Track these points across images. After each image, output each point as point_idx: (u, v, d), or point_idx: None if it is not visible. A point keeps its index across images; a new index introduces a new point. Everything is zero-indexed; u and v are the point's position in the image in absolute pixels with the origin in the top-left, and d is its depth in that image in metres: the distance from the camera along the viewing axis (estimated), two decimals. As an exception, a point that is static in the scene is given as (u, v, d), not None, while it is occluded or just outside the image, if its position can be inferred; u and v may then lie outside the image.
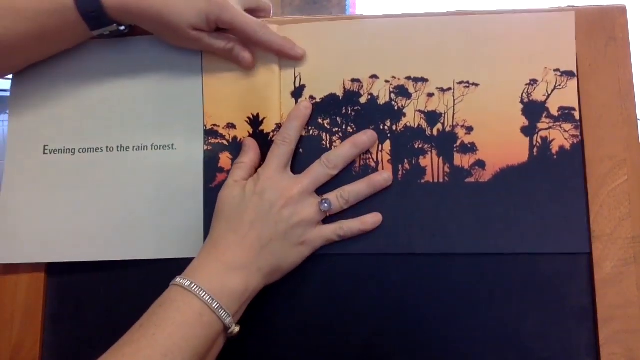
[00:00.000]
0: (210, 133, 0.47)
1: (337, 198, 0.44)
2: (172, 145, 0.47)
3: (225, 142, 0.47)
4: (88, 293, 0.47)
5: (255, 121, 0.47)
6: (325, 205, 0.44)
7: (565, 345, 0.44)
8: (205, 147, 0.47)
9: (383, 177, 0.45)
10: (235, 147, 0.47)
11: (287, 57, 0.47)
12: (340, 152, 0.45)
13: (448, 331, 0.45)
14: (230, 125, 0.47)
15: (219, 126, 0.47)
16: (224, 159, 0.47)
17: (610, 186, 0.45)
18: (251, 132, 0.47)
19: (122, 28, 0.46)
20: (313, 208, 0.44)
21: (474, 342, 0.44)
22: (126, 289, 0.47)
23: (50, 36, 0.45)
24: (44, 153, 0.48)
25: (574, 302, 0.44)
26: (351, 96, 0.47)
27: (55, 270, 0.48)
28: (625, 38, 0.46)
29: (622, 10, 0.46)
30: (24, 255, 0.47)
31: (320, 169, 0.44)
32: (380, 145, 0.46)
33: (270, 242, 0.42)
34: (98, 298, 0.47)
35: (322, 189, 0.46)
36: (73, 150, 0.48)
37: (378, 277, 0.46)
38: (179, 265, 0.46)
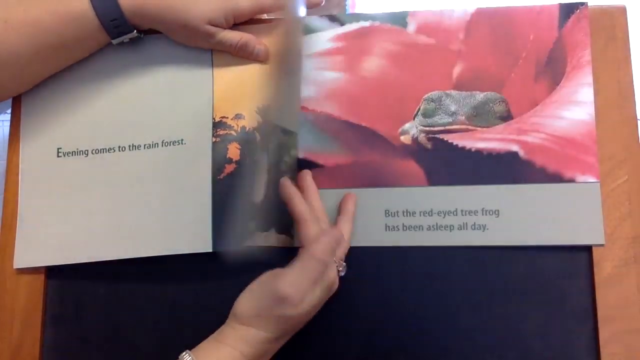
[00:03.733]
0: (218, 125, 0.47)
1: (344, 252, 0.44)
2: (182, 140, 0.47)
3: (233, 132, 0.47)
4: (88, 293, 0.47)
5: (266, 111, 0.47)
6: (342, 273, 0.43)
7: (565, 345, 0.44)
8: (214, 139, 0.47)
9: (354, 203, 0.45)
10: (244, 137, 0.47)
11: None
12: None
13: (448, 330, 0.45)
14: (239, 116, 0.47)
15: (227, 117, 0.47)
16: (232, 149, 0.47)
17: (610, 186, 0.45)
18: (261, 121, 0.47)
19: (140, 35, 0.47)
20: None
21: (475, 341, 0.44)
22: (126, 288, 0.47)
23: (68, 46, 0.45)
24: (58, 156, 0.48)
25: (574, 302, 0.44)
26: None
27: (55, 271, 0.48)
28: (625, 38, 0.46)
29: (622, 10, 0.46)
30: (42, 259, 0.47)
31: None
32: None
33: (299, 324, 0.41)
34: (98, 298, 0.47)
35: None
36: (87, 152, 0.48)
37: (376, 275, 0.46)
38: (180, 265, 0.46)
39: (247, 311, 0.39)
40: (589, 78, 0.45)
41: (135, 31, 0.46)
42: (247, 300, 0.40)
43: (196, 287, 0.45)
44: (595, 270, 0.44)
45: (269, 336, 0.39)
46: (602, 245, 0.44)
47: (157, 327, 0.47)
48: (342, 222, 0.44)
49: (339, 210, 0.46)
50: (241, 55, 0.47)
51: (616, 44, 0.46)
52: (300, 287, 0.39)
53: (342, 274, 0.43)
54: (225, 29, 0.46)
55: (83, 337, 0.47)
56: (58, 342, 0.47)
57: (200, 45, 0.47)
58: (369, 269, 0.46)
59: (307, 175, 0.46)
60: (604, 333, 0.43)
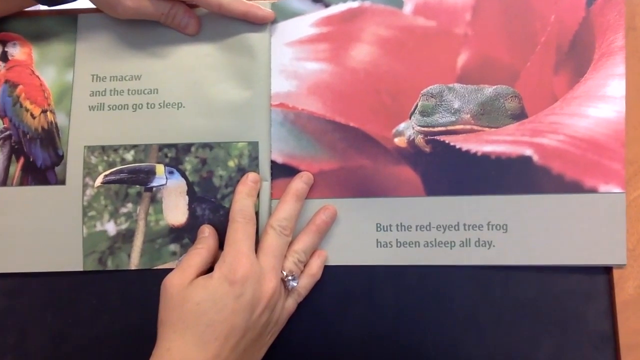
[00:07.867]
0: None
1: (296, 264, 0.41)
2: None
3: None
4: (33, 321, 0.44)
5: None
6: (293, 283, 0.40)
7: (582, 376, 0.42)
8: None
9: (327, 215, 0.42)
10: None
11: (256, 21, 0.44)
12: (290, 213, 0.41)
13: (450, 357, 0.43)
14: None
15: None
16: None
17: (632, 194, 0.42)
18: None
19: None
20: (283, 295, 0.40)
21: (479, 372, 0.42)
22: (76, 314, 0.44)
23: None
24: None
25: (591, 326, 0.42)
26: None
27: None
28: (645, 28, 0.43)
29: (642, 0, 0.44)
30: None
31: (281, 241, 0.40)
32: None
33: (244, 352, 0.38)
34: (44, 327, 0.44)
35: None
36: None
37: (366, 298, 0.43)
38: (142, 283, 0.43)
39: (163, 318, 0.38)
40: (620, 68, 0.41)
41: None
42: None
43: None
44: (616, 290, 0.41)
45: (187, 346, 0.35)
46: (623, 265, 0.41)
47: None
48: (301, 234, 0.42)
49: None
50: (169, 24, 0.44)
51: (636, 34, 0.43)
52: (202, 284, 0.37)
53: (293, 284, 0.40)
54: None
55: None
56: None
57: (123, 13, 0.42)
58: (358, 291, 0.43)
59: (297, 179, 0.43)
60: (627, 362, 0.41)
